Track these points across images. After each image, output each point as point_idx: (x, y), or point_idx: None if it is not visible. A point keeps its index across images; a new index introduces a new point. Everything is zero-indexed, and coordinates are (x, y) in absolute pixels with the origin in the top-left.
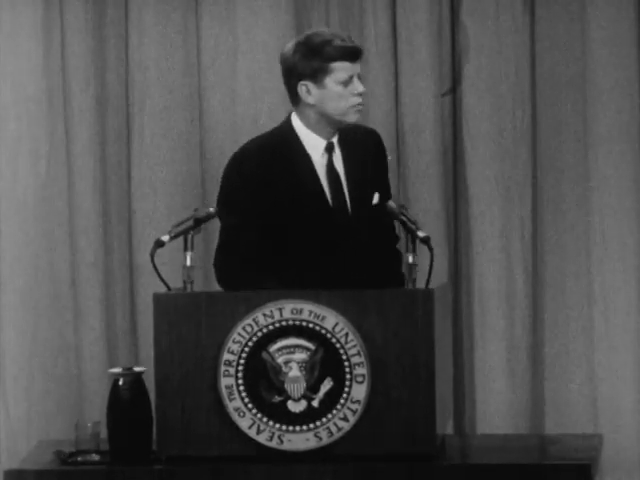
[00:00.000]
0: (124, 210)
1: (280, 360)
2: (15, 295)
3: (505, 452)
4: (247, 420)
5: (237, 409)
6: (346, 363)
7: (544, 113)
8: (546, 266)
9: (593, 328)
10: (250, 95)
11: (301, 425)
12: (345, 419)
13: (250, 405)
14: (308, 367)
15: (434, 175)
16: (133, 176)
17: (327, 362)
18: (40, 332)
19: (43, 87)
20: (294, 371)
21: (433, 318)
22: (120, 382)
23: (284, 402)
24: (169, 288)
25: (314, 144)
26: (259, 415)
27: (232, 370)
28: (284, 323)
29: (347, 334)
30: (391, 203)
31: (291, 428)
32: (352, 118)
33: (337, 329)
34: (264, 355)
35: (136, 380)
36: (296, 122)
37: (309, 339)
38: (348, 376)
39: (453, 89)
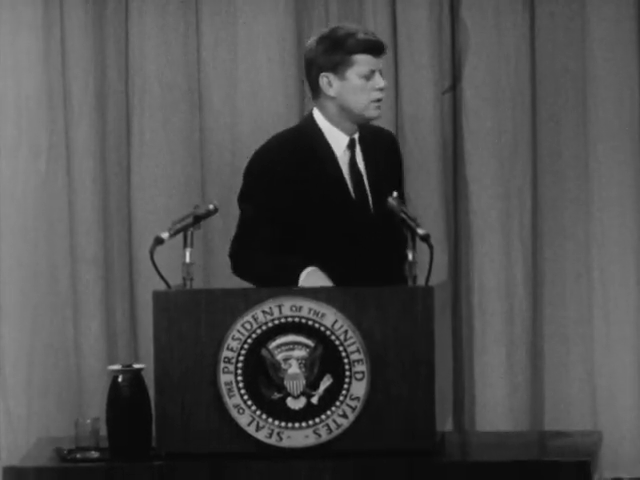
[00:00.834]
0: (124, 207)
1: (279, 357)
2: (15, 292)
3: (504, 449)
4: (246, 417)
5: (236, 406)
6: (345, 360)
7: (544, 111)
8: (546, 263)
9: (592, 325)
10: (250, 94)
11: (300, 422)
12: (344, 416)
13: (249, 402)
14: (307, 364)
15: (434, 172)
16: (133, 174)
17: (326, 359)
18: (40, 329)
19: (43, 85)
20: (293, 368)
21: (433, 315)
22: (120, 379)
23: (283, 399)
24: (168, 285)
25: (337, 139)
26: (258, 412)
27: (231, 367)
28: (283, 320)
29: (346, 331)
30: (391, 200)
31: (290, 425)
32: (372, 113)
33: (336, 326)
34: (263, 352)
35: (136, 377)
36: (318, 117)
37: (308, 336)
38: (347, 373)
39: (453, 86)
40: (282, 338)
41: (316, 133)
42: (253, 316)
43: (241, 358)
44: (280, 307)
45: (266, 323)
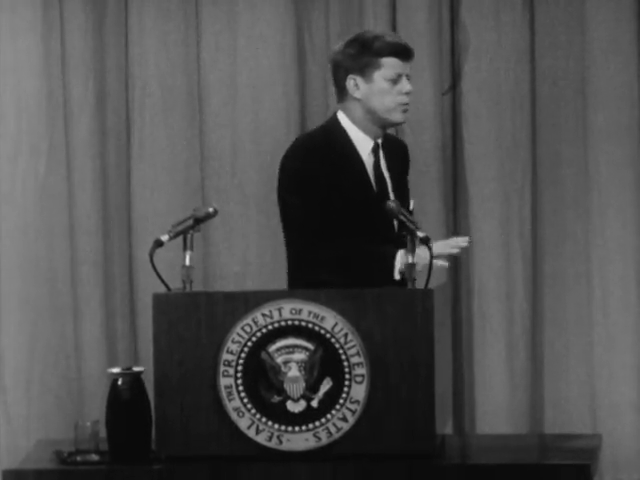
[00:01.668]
0: (123, 210)
1: (279, 360)
2: (15, 294)
3: (504, 452)
4: (246, 420)
5: (236, 409)
6: (345, 363)
7: (544, 112)
8: (545, 266)
9: (592, 328)
10: (250, 94)
11: (300, 425)
12: (344, 419)
13: (249, 405)
14: (307, 367)
15: (433, 174)
16: (133, 175)
17: (326, 362)
18: (39, 332)
19: (43, 87)
20: (293, 371)
21: (432, 318)
22: (119, 382)
23: (283, 402)
24: (168, 288)
25: (362, 143)
26: (258, 415)
27: (231, 370)
28: (283, 323)
29: (346, 334)
30: (390, 203)
31: (290, 428)
32: (398, 117)
33: (336, 329)
34: (263, 355)
35: (135, 380)
36: (343, 119)
37: (308, 339)
38: (347, 376)
39: (453, 88)
40: (282, 341)
41: (342, 135)
42: (253, 319)
43: (241, 361)
44: (280, 310)
45: (266, 326)
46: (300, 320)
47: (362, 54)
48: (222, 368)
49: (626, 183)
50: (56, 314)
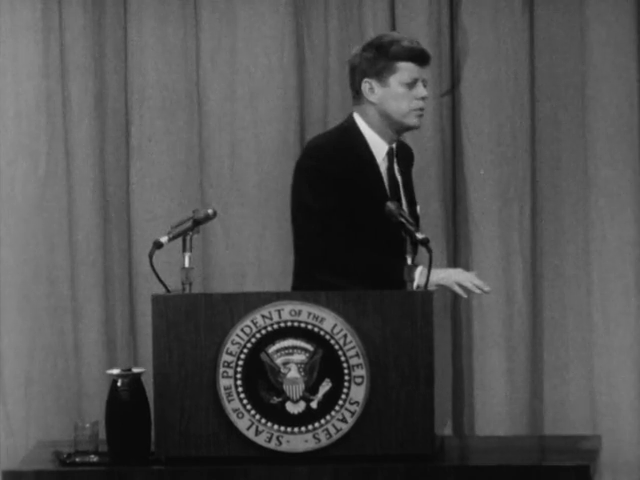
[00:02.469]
0: (123, 212)
1: (279, 361)
2: (14, 295)
3: (504, 453)
4: (246, 421)
5: (236, 410)
6: (345, 364)
7: (543, 113)
8: (545, 267)
9: (592, 329)
10: (249, 97)
11: (300, 426)
12: (344, 420)
13: (249, 406)
14: (307, 368)
15: (433, 175)
16: (132, 176)
17: (326, 363)
18: (39, 333)
19: (42, 87)
20: (293, 372)
21: (432, 319)
22: (119, 383)
23: (283, 403)
24: (168, 289)
25: (378, 146)
26: (258, 416)
27: (231, 371)
28: (283, 324)
29: (346, 335)
30: (390, 204)
31: (290, 429)
32: (413, 122)
33: (336, 330)
34: (263, 356)
35: (135, 381)
36: (360, 122)
37: (308, 340)
38: (347, 377)
39: (452, 89)
40: (281, 342)
41: (358, 137)
42: (252, 320)
43: (240, 362)
44: (279, 311)
45: (265, 327)
46: (300, 321)
47: (378, 58)
48: (221, 369)
49: (626, 183)
50: (56, 315)
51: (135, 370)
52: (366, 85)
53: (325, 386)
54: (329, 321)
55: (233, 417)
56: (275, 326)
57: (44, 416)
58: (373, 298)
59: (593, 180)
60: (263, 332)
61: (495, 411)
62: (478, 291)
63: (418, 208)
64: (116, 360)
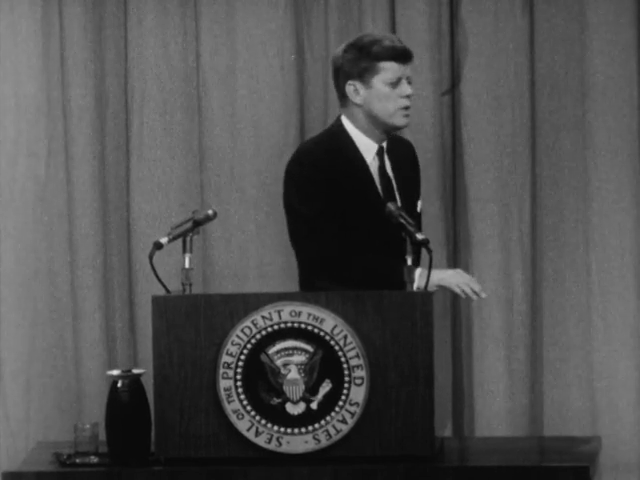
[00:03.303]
0: (123, 211)
1: (279, 362)
2: (14, 296)
3: (504, 454)
4: (246, 422)
5: (236, 411)
6: (345, 365)
7: (543, 114)
8: (545, 267)
9: (592, 330)
10: (249, 98)
11: (300, 427)
12: (344, 421)
13: (249, 407)
14: (307, 369)
15: (433, 175)
16: (132, 179)
17: (326, 364)
18: (39, 334)
19: (42, 90)
20: (293, 373)
21: (432, 320)
22: (119, 384)
23: (283, 404)
24: (168, 290)
25: (366, 147)
26: (258, 417)
27: (231, 372)
28: (283, 325)
29: (346, 336)
30: (390, 205)
31: (290, 430)
32: (399, 121)
33: (336, 331)
34: (263, 357)
35: (135, 382)
36: (347, 124)
37: (308, 341)
38: (347, 378)
39: (452, 88)
40: (281, 343)
41: (346, 139)
42: (252, 321)
43: (240, 363)
44: (279, 312)
45: (265, 328)
46: (299, 322)
47: (360, 59)
48: (221, 370)
49: (626, 183)
50: (55, 316)
51: (135, 371)
52: (350, 87)
53: (325, 387)
54: (329, 322)
55: (233, 418)
56: (275, 327)
57: (44, 417)
58: (373, 299)
59: (593, 179)
60: (263, 333)
61: (495, 412)
62: (474, 297)
63: (419, 203)
64: (116, 361)
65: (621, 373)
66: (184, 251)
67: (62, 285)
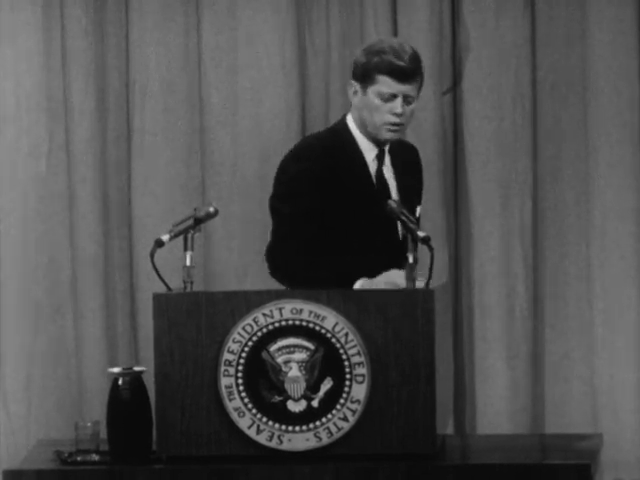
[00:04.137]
0: (124, 209)
1: (280, 360)
2: (15, 294)
3: (505, 452)
4: (247, 420)
5: (237, 409)
6: (346, 363)
7: (544, 112)
8: (546, 266)
9: (593, 328)
10: (251, 94)
11: (301, 425)
12: (345, 419)
13: (250, 405)
14: (308, 367)
15: (434, 174)
16: (133, 176)
17: (327, 362)
18: (40, 331)
19: (43, 87)
20: (294, 371)
21: (433, 318)
22: (120, 382)
23: (284, 402)
24: (169, 288)
25: (367, 149)
26: (259, 415)
27: (232, 370)
28: (284, 323)
29: (347, 334)
30: (391, 203)
31: (291, 428)
32: (384, 136)
33: (337, 329)
34: (264, 355)
35: (136, 380)
36: (351, 123)
37: (309, 339)
38: (348, 376)
39: (453, 88)
40: (283, 341)
41: (349, 138)
42: (254, 319)
43: (242, 361)
44: (281, 310)
45: (267, 326)
46: (301, 320)
47: (364, 65)
48: (223, 368)
49: (627, 183)
50: (56, 314)
51: (136, 369)
52: (350, 87)
53: (326, 385)
54: (330, 320)
55: (234, 416)
56: (276, 325)
57: (45, 415)
58: (374, 296)
59: (593, 178)
60: (264, 331)
61: (496, 410)
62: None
63: (419, 209)
64: (117, 359)
65: (622, 370)
66: (185, 249)
67: (63, 283)
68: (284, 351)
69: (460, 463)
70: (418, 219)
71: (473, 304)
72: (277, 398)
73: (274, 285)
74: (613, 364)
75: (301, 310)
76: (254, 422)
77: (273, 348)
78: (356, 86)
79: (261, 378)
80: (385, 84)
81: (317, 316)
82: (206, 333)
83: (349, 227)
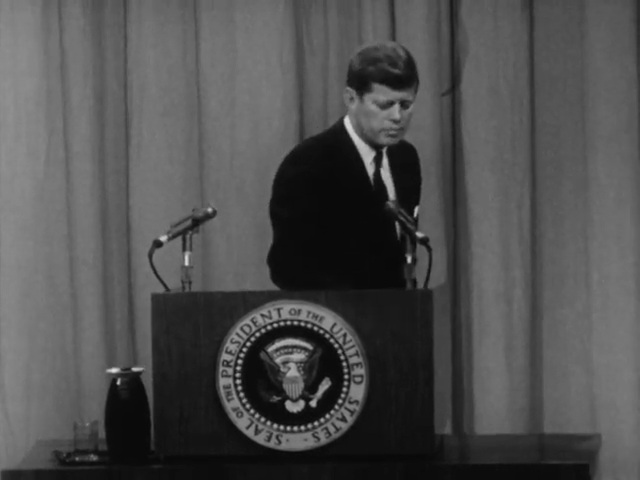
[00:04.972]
0: (122, 210)
1: (278, 360)
2: (14, 295)
3: (503, 452)
4: (245, 420)
5: (235, 409)
6: (344, 363)
7: (542, 114)
8: (545, 266)
9: (592, 328)
10: (249, 98)
11: (299, 425)
12: (343, 419)
13: (248, 405)
14: (306, 367)
15: (433, 175)
16: (131, 177)
17: (325, 362)
18: (38, 332)
19: (42, 88)
20: (292, 371)
21: (432, 318)
22: (118, 382)
23: (282, 402)
24: (167, 288)
25: (365, 151)
26: (257, 415)
27: (230, 370)
28: (282, 323)
29: (345, 334)
30: (389, 203)
31: (289, 428)
32: (382, 140)
33: (335, 329)
34: (262, 355)
35: (134, 380)
36: (348, 126)
37: (307, 339)
38: (346, 376)
39: (452, 89)
40: (281, 341)
41: (346, 139)
42: (252, 319)
43: (240, 361)
44: (279, 310)
45: (265, 326)
46: (299, 320)
47: (360, 72)
48: (221, 368)
49: (626, 183)
50: (55, 314)
51: (134, 369)
52: (347, 94)
53: (324, 385)
54: (328, 320)
55: (232, 416)
56: (275, 325)
57: (44, 415)
58: (372, 297)
59: (593, 179)
60: (262, 331)
61: (495, 410)
62: None
63: (417, 209)
64: (115, 359)
65: (621, 370)
66: (184, 249)
67: (62, 283)
68: (282, 351)
69: (458, 463)
70: (416, 219)
71: (471, 304)
72: (275, 398)
73: (272, 286)
74: (612, 364)
75: (299, 311)
76: (252, 422)
77: (271, 348)
78: (352, 93)
79: (259, 378)
80: (381, 92)
81: (315, 316)
82: (204, 333)
83: (347, 228)
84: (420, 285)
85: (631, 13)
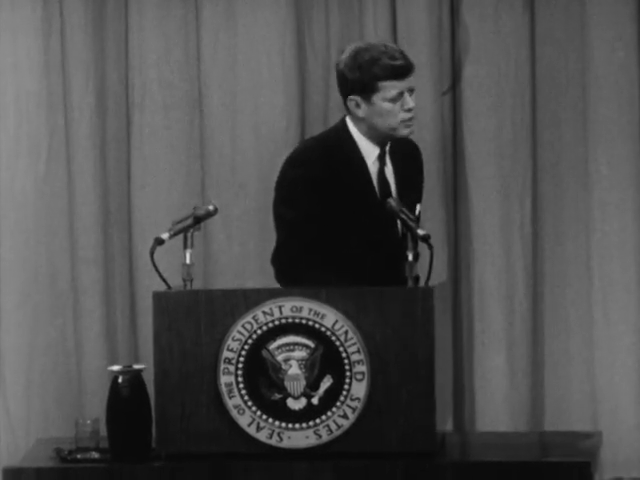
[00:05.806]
0: (124, 208)
1: (280, 358)
2: (15, 293)
3: (505, 450)
4: (247, 418)
5: (237, 407)
6: (346, 361)
7: (544, 111)
8: (546, 264)
9: (593, 326)
10: (250, 94)
11: (301, 423)
12: (345, 417)
13: (250, 403)
14: (308, 365)
15: (434, 173)
16: (133, 174)
17: (327, 360)
18: (40, 329)
19: (43, 85)
20: (294, 369)
21: (433, 316)
22: (120, 379)
23: (284, 400)
24: (169, 286)
25: (368, 150)
26: (259, 413)
27: (232, 368)
28: (284, 321)
29: (347, 332)
30: (391, 201)
31: (291, 426)
32: (403, 132)
33: (337, 327)
34: (264, 353)
35: (136, 377)
36: (351, 126)
37: (309, 337)
38: (348, 374)
39: (453, 87)
40: (282, 339)
41: (348, 139)
42: (253, 317)
43: (241, 359)
44: (280, 308)
45: (266, 324)
46: (301, 318)
47: (360, 77)
48: (222, 366)
49: (627, 182)
50: (56, 312)
51: (136, 367)
52: (352, 102)
53: (326, 382)
54: (330, 317)
55: (234, 413)
56: (276, 322)
57: (45, 413)
58: (374, 294)
59: (594, 177)
60: (264, 328)
61: (496, 407)
62: None
63: (418, 207)
64: (117, 357)
65: (622, 368)
66: (185, 247)
67: (63, 281)
68: (284, 349)
69: (460, 460)
70: (418, 217)
71: (473, 302)
72: (277, 396)
73: (274, 283)
74: (613, 363)
75: (301, 308)
76: (254, 420)
77: (273, 346)
78: (357, 99)
79: (261, 376)
80: (390, 87)
81: (317, 314)
82: (206, 331)
83: (349, 226)
84: (421, 282)
85: (632, 10)
